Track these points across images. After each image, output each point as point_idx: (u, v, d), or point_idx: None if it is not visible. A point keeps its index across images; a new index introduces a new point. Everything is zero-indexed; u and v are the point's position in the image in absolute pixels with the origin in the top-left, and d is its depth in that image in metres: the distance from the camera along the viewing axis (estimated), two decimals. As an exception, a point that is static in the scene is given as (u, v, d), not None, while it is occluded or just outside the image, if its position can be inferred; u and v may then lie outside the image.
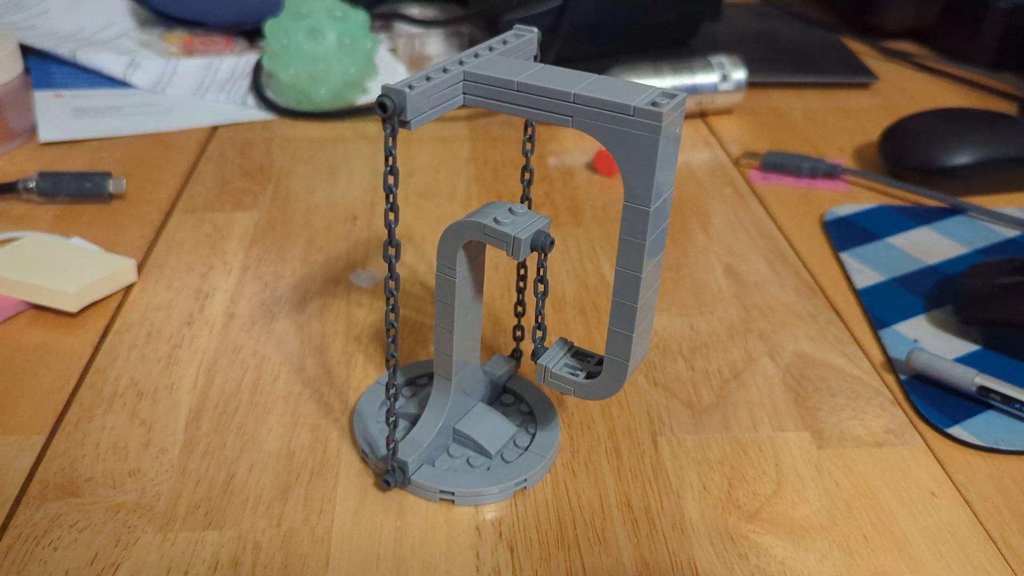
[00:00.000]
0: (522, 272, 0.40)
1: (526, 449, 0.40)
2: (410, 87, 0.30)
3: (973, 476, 0.40)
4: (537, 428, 0.41)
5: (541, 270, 0.35)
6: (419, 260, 0.54)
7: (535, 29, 0.36)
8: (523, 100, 0.31)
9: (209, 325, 0.48)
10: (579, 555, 0.36)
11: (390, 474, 0.37)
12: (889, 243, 0.57)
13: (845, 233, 0.58)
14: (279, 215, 0.58)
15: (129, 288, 0.50)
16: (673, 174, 0.31)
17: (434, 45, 0.81)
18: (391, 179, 0.31)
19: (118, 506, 0.37)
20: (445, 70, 0.32)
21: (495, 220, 0.34)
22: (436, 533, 0.36)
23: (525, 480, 0.38)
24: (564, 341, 0.37)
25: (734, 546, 0.36)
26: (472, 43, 0.83)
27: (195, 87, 0.74)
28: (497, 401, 0.43)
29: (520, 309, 0.41)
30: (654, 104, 0.29)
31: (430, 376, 0.44)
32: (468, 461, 0.39)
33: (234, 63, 0.76)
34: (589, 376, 0.36)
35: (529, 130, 0.37)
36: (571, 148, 0.68)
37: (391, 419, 0.36)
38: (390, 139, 0.30)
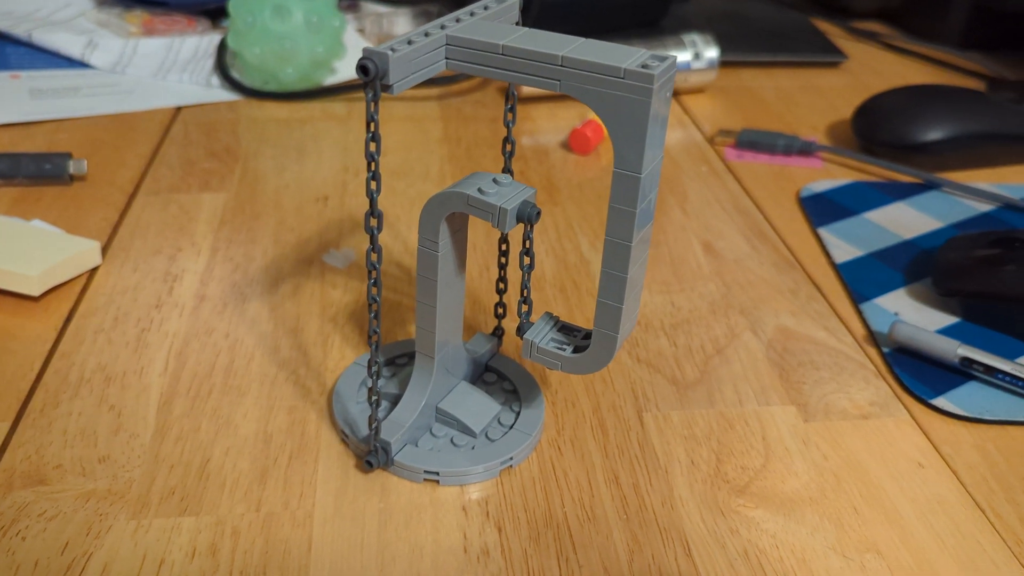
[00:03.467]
0: (504, 248, 0.40)
1: (511, 427, 0.39)
2: (392, 50, 0.29)
3: (958, 446, 0.40)
4: (521, 406, 0.40)
5: (527, 242, 0.34)
6: (394, 240, 0.53)
7: (517, -6, 0.35)
8: (509, 64, 0.30)
9: (179, 308, 0.46)
10: (568, 533, 0.35)
11: (372, 455, 0.36)
12: (866, 218, 0.57)
13: (822, 209, 0.58)
14: (248, 196, 0.56)
15: (93, 271, 0.49)
16: (663, 140, 0.31)
17: (402, 24, 0.80)
18: (373, 146, 0.29)
19: (88, 493, 0.35)
20: (427, 34, 0.31)
21: (479, 191, 0.33)
22: (421, 514, 0.35)
23: (511, 459, 0.37)
24: (550, 316, 0.37)
25: (724, 520, 0.36)
26: (441, 23, 0.82)
27: (157, 67, 0.71)
28: (480, 379, 0.42)
29: (502, 286, 0.41)
30: (645, 66, 0.28)
31: (410, 356, 0.43)
32: (452, 440, 0.38)
33: (196, 43, 0.74)
34: (576, 351, 0.35)
35: (511, 99, 0.36)
36: (545, 127, 0.67)
37: (373, 398, 0.35)
38: (372, 104, 0.29)
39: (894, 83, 0.79)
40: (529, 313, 0.36)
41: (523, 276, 0.35)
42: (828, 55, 0.81)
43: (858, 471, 0.38)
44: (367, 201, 0.56)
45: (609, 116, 0.29)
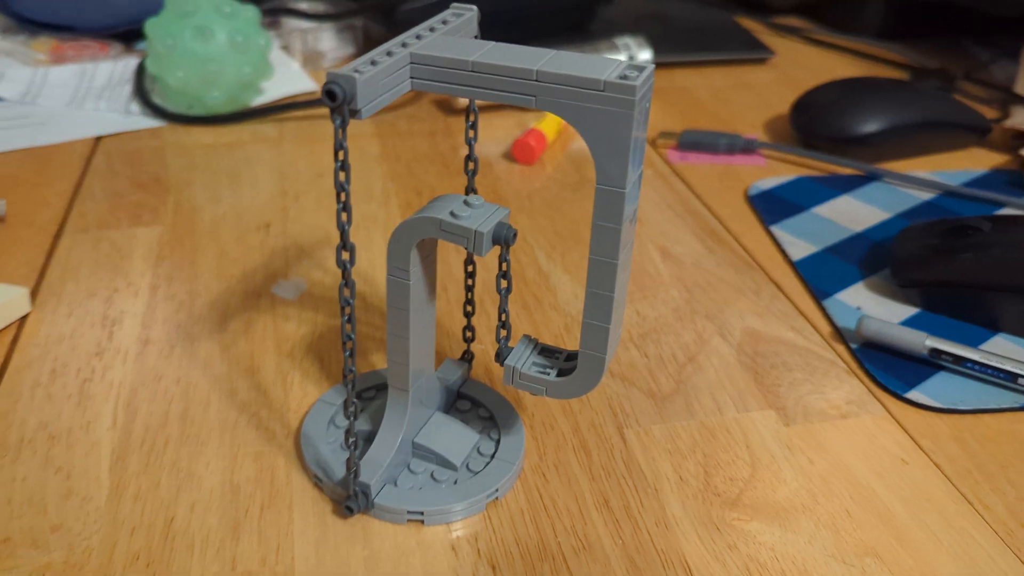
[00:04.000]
0: (470, 269, 0.38)
1: (492, 457, 0.37)
2: (357, 71, 0.27)
3: (937, 439, 0.40)
4: (500, 433, 0.38)
5: (504, 265, 0.32)
6: (335, 270, 0.50)
7: (474, 7, 0.33)
8: (479, 81, 0.29)
9: (122, 354, 0.43)
10: (564, 564, 0.33)
11: (352, 500, 0.34)
12: (815, 213, 0.57)
13: (771, 207, 0.58)
14: (185, 228, 0.53)
15: (23, 320, 0.45)
16: (644, 151, 0.29)
17: (328, 40, 0.77)
18: (343, 175, 0.27)
19: (44, 568, 0.32)
20: (389, 53, 0.29)
21: (452, 214, 0.31)
22: (409, 558, 0.33)
23: (496, 490, 0.36)
24: (528, 339, 0.35)
25: (721, 536, 0.35)
26: (367, 37, 0.79)
27: (70, 96, 0.68)
28: (453, 408, 0.40)
29: (469, 308, 0.39)
30: (624, 77, 0.27)
31: (378, 388, 0.41)
32: (432, 476, 0.36)
33: (111, 68, 0.71)
34: (560, 373, 0.34)
35: (471, 116, 0.35)
36: (484, 138, 0.66)
37: (351, 439, 0.33)
38: (340, 131, 0.27)
39: (822, 77, 0.80)
40: (508, 338, 0.34)
41: (501, 300, 0.33)
42: (756, 52, 0.82)
43: (845, 473, 0.38)
44: (315, 227, 0.54)
45: (589, 130, 0.28)
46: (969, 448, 0.40)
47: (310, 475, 0.37)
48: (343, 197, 0.28)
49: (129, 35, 0.76)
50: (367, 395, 0.40)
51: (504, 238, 0.31)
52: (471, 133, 0.35)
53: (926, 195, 0.60)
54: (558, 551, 0.34)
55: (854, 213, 0.57)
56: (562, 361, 0.34)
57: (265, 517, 0.35)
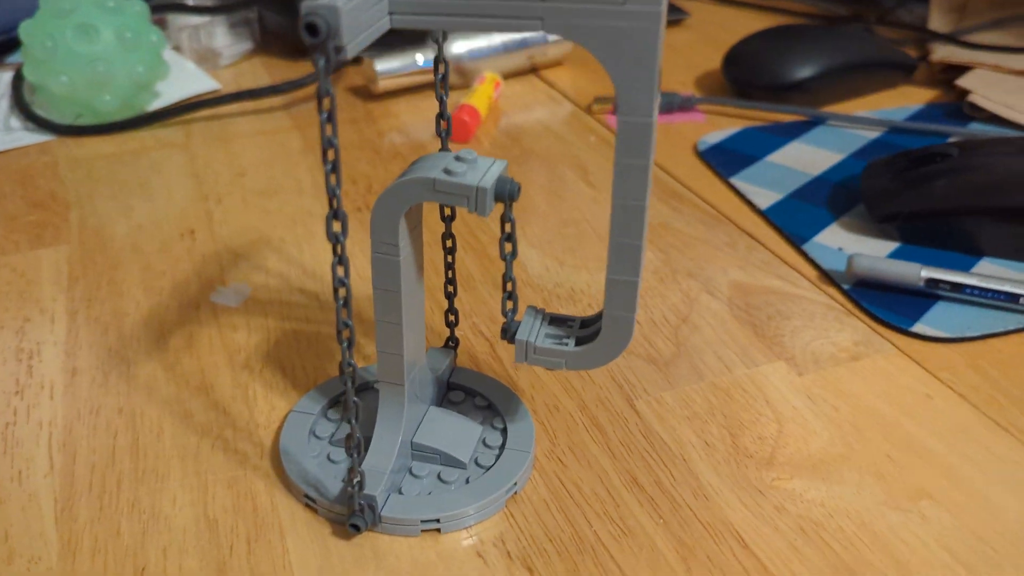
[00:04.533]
0: (448, 244, 0.34)
1: (501, 448, 0.33)
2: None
3: (954, 369, 0.38)
4: (504, 421, 0.34)
5: (508, 225, 0.28)
6: (287, 265, 0.45)
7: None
8: (472, 8, 0.25)
9: (47, 389, 0.37)
10: (607, 554, 0.30)
11: (357, 516, 0.29)
12: (770, 162, 0.55)
13: (725, 160, 0.55)
14: (95, 245, 0.47)
15: (-81, 366, 0.38)
16: (660, 78, 0.26)
17: (221, 36, 0.71)
18: (329, 129, 0.23)
19: (-6, 651, 0.27)
20: (359, -16, 0.24)
21: (446, 172, 0.27)
22: (432, 573, 0.29)
23: (515, 484, 0.32)
24: (534, 309, 0.31)
25: (766, 499, 0.32)
26: (265, 30, 0.74)
27: (-63, 117, 0.60)
28: (446, 400, 0.36)
29: (451, 289, 0.35)
30: (641, -13, 0.24)
31: (359, 389, 0.36)
32: (439, 477, 0.32)
33: (-19, 83, 0.63)
34: (579, 342, 0.30)
35: (441, 68, 0.31)
36: (411, 121, 0.62)
37: (355, 446, 0.28)
38: (324, 75, 0.22)
39: (739, 33, 0.79)
40: (515, 311, 0.30)
41: (506, 268, 0.29)
42: (672, 14, 0.80)
43: (873, 416, 0.36)
44: (247, 228, 0.49)
45: (608, 53, 0.24)
46: (988, 375, 0.38)
47: (298, 496, 0.32)
48: (332, 156, 0.24)
49: (3, 48, 0.68)
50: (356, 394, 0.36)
51: (508, 193, 0.27)
52: (441, 89, 0.31)
53: (872, 134, 0.59)
54: (596, 540, 0.30)
55: (808, 158, 0.56)
56: (577, 329, 0.31)
57: (255, 551, 0.30)
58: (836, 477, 0.33)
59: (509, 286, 0.30)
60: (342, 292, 0.26)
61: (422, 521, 0.30)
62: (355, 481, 0.29)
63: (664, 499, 0.32)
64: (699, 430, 0.35)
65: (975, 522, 0.31)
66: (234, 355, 0.39)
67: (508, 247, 0.29)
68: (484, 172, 0.27)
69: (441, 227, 0.48)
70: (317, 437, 0.34)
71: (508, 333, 0.30)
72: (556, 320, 0.31)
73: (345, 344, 0.27)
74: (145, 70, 0.59)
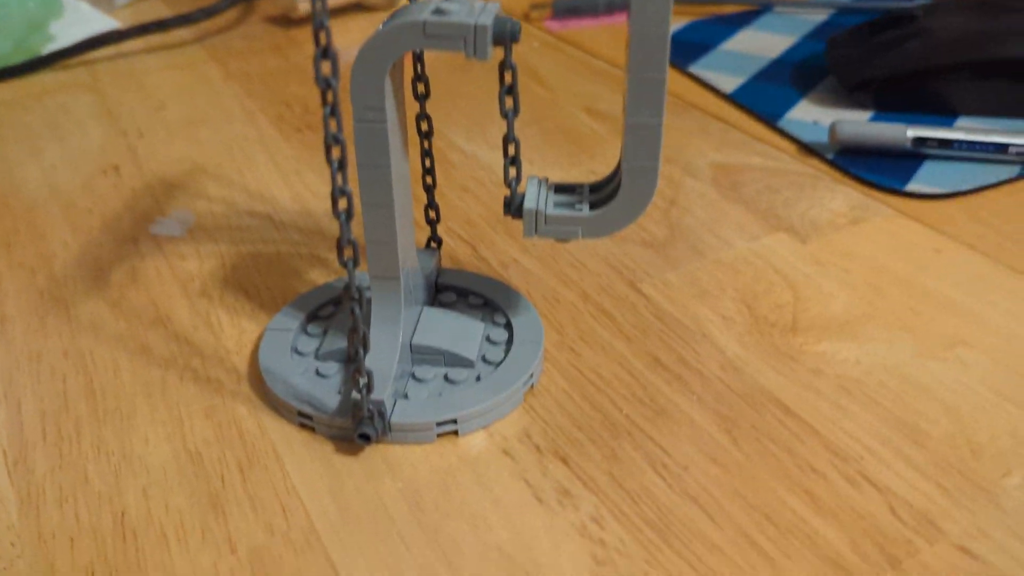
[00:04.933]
0: (424, 127, 0.30)
1: (509, 343, 0.30)
2: None
3: (956, 223, 0.37)
4: (507, 315, 0.31)
5: (508, 75, 0.25)
6: (230, 190, 0.41)
7: None
8: None
9: (-26, 340, 0.32)
10: (644, 434, 0.27)
11: (366, 424, 0.26)
12: (725, 50, 0.53)
13: (679, 50, 0.53)
14: (6, 189, 0.42)
15: None
16: None
17: (114, -26, 0.65)
18: (327, 67, 0.19)
19: (-43, 621, 0.23)
20: None
21: (437, 12, 0.23)
22: (458, 477, 0.26)
23: (531, 376, 0.29)
24: (537, 179, 0.28)
25: (799, 364, 0.30)
26: (161, -36, 0.68)
27: None
28: (437, 303, 0.32)
29: (430, 180, 0.31)
30: None
31: (333, 304, 0.32)
32: (447, 378, 0.29)
33: None
34: (593, 207, 0.27)
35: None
36: (342, 44, 0.57)
37: (359, 342, 0.25)
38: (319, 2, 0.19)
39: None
40: (519, 179, 0.27)
41: (508, 127, 0.26)
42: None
43: (887, 274, 0.34)
44: (178, 158, 0.44)
45: None
46: (991, 224, 0.37)
47: (289, 416, 0.28)
48: (330, 97, 0.20)
49: None
50: (323, 313, 0.32)
51: (510, 32, 0.24)
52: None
53: (820, 16, 0.57)
54: (630, 423, 0.28)
55: (762, 43, 0.54)
56: (587, 195, 0.28)
57: (250, 479, 0.26)
58: (865, 336, 0.31)
59: (512, 149, 0.27)
60: (336, 152, 0.22)
61: (437, 424, 0.27)
62: (362, 384, 0.25)
63: (692, 376, 0.29)
64: (713, 306, 0.33)
65: (1015, 361, 0.30)
66: (187, 284, 0.35)
67: (509, 102, 0.25)
68: (479, 11, 0.24)
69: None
70: (300, 353, 0.30)
71: (512, 206, 0.27)
72: (562, 188, 0.28)
73: (343, 217, 0.23)
74: (37, 6, 0.53)
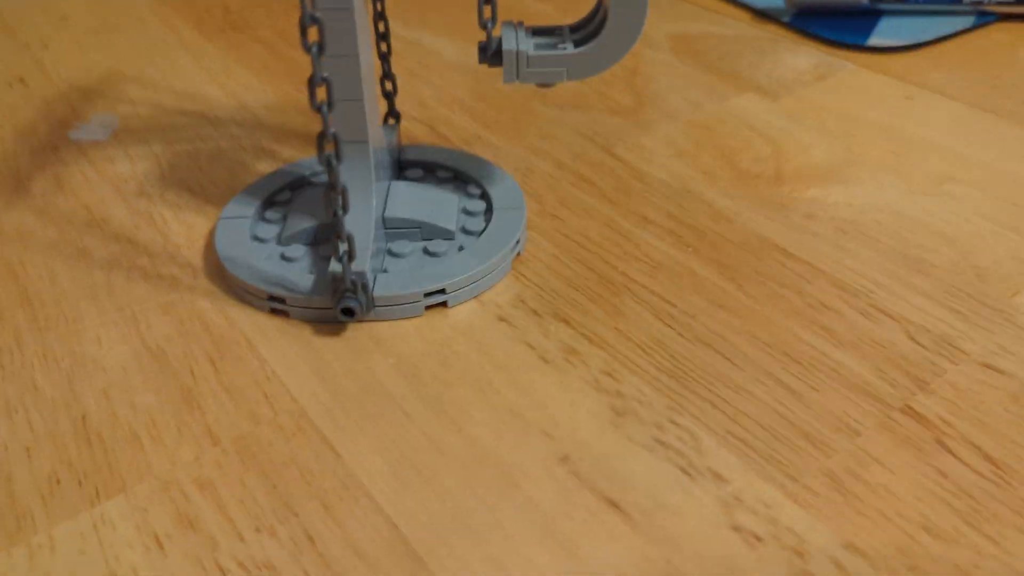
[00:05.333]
0: (379, 6, 0.27)
1: (488, 212, 0.28)
2: None
3: (922, 72, 0.36)
4: (482, 186, 0.29)
5: None
6: (156, 92, 0.37)
7: None
8: None
9: None
10: (643, 287, 0.26)
11: (350, 299, 0.24)
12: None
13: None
14: None
15: None
16: None
17: None
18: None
19: (-94, 544, 0.20)
20: None
21: None
22: (455, 347, 0.24)
23: (517, 242, 0.27)
24: (512, 23, 0.26)
25: (791, 211, 0.29)
26: None
27: None
28: (403, 179, 0.30)
29: (384, 48, 0.29)
30: None
31: (291, 186, 0.30)
32: (426, 251, 0.26)
33: None
34: (578, 45, 0.25)
35: None
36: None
37: (337, 206, 0.22)
38: None
39: None
40: (494, 21, 0.25)
41: (478, -44, 0.23)
42: None
43: (863, 123, 0.33)
44: (91, 65, 0.40)
45: None
46: (956, 71, 0.36)
47: (258, 303, 0.25)
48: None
49: None
50: (279, 199, 0.29)
51: None
52: None
53: None
54: (628, 279, 0.26)
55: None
56: (568, 35, 0.26)
57: (223, 370, 0.24)
58: (851, 179, 0.30)
59: (484, -15, 0.24)
60: (316, 39, 0.20)
61: (425, 295, 0.25)
62: (342, 251, 0.23)
63: (684, 230, 0.28)
64: (692, 163, 0.31)
65: (1005, 191, 0.29)
66: (121, 186, 0.31)
67: (478, -73, 0.23)
68: None
69: None
70: (260, 240, 0.27)
71: (488, 50, 0.25)
72: (540, 31, 0.26)
73: (319, 78, 0.21)
74: (-96, -83, 0.47)
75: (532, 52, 0.24)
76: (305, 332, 0.25)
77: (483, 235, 0.27)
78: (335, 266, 0.24)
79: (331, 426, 0.22)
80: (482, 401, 0.22)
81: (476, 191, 0.29)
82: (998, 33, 0.39)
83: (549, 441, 0.21)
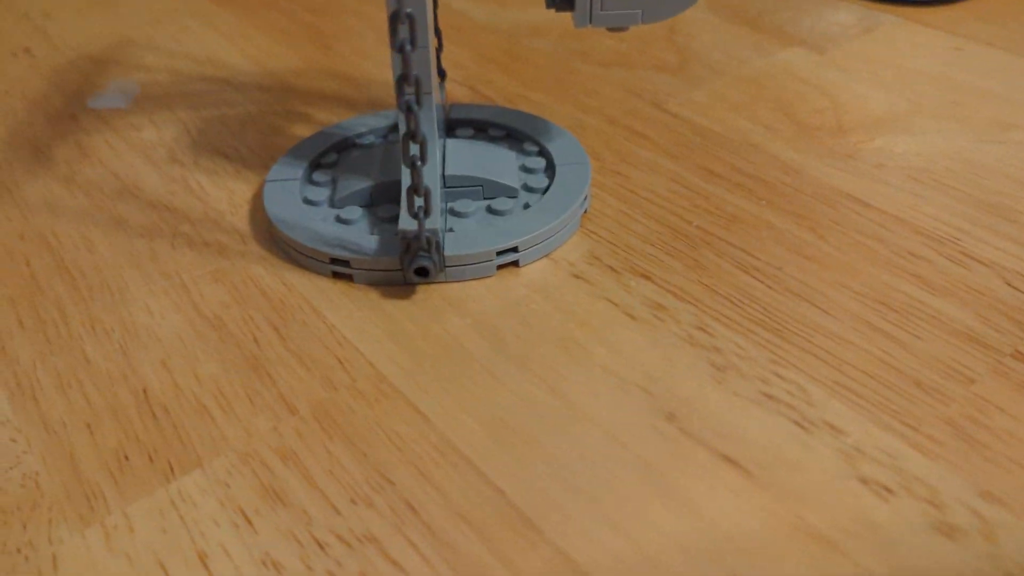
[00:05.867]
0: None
1: (549, 169, 0.27)
2: None
3: (966, 24, 0.35)
4: (539, 142, 0.28)
5: None
6: (172, 59, 0.36)
7: None
8: None
9: (-99, 235, 0.27)
10: (725, 242, 0.24)
11: (424, 258, 0.22)
12: None
13: None
14: None
15: None
16: None
17: None
18: None
19: (-31, 527, 0.18)
20: None
21: None
22: (533, 307, 0.23)
23: (584, 199, 0.26)
24: (573, -34, 0.24)
25: (860, 161, 0.28)
26: None
27: None
28: (454, 137, 0.29)
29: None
30: None
31: (338, 148, 0.28)
32: (490, 209, 0.25)
33: None
34: (647, -14, 0.24)
35: None
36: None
37: (418, 167, 0.21)
38: None
39: None
40: (561, -42, 0.23)
41: None
42: None
43: (917, 74, 0.32)
44: (99, 34, 0.38)
45: None
46: (1000, 23, 0.35)
47: (318, 267, 0.24)
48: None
49: None
50: (325, 161, 0.28)
51: None
52: None
53: None
54: (705, 233, 0.25)
55: None
56: (633, -25, 0.24)
57: (290, 336, 0.22)
58: (916, 129, 0.29)
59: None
60: None
61: (498, 254, 0.23)
62: (417, 207, 0.22)
63: (754, 183, 0.27)
64: (749, 117, 0.30)
65: (1075, 137, 0.28)
66: (150, 153, 0.30)
67: None
68: None
69: (346, -5, 0.39)
70: (312, 203, 0.26)
71: (556, -6, 0.24)
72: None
73: (402, 31, 0.19)
74: None
75: (606, -7, 0.23)
76: (372, 295, 0.23)
77: (548, 191, 0.25)
78: (407, 223, 0.22)
79: (415, 390, 0.21)
80: (571, 360, 0.21)
81: (533, 148, 0.28)
82: (1037, -16, 0.38)
83: (650, 398, 0.20)
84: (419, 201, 0.22)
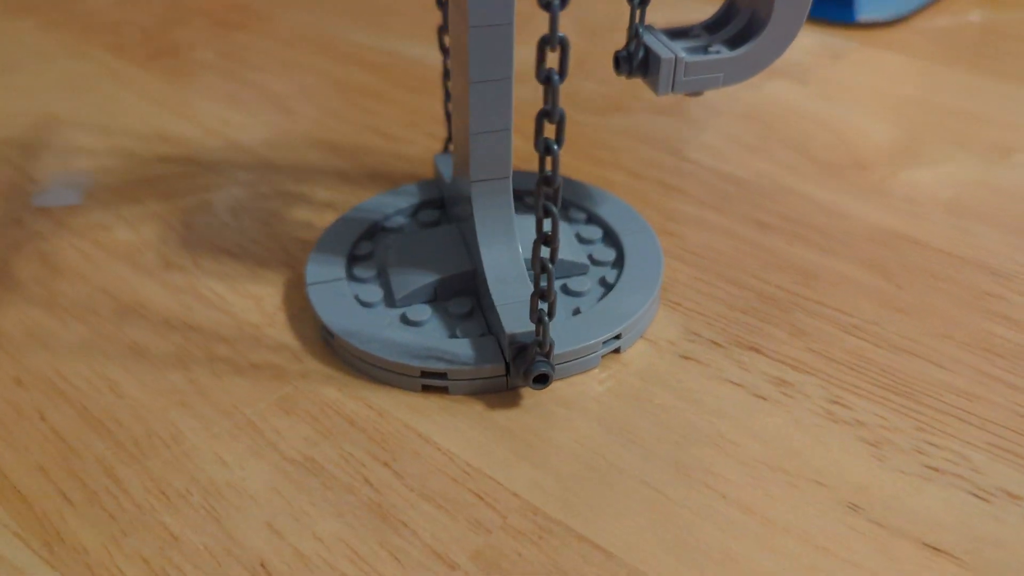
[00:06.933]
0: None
1: (607, 239, 0.25)
2: None
3: (918, 47, 0.37)
4: (584, 208, 0.26)
5: None
6: (111, 138, 0.31)
7: None
8: None
9: None
10: (812, 301, 0.24)
11: (542, 362, 0.20)
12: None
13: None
14: None
15: None
16: None
17: None
18: None
19: None
20: None
21: None
22: (656, 399, 0.21)
23: (659, 264, 0.24)
24: (645, 27, 0.23)
25: (890, 198, 0.28)
26: None
27: None
28: (492, 213, 0.26)
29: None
30: None
31: (367, 236, 0.25)
32: (566, 291, 0.23)
33: None
34: (730, 45, 0.23)
35: None
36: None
37: (549, 269, 0.19)
38: None
39: None
40: (643, 20, 0.22)
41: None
42: None
43: (900, 100, 0.33)
44: (34, 111, 0.33)
45: None
46: (947, 43, 0.37)
47: (406, 381, 0.21)
48: None
49: None
50: (360, 251, 0.25)
51: None
52: None
53: None
54: (785, 291, 0.24)
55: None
56: (707, 35, 0.23)
57: (406, 473, 0.20)
58: (926, 159, 0.30)
59: (637, -9, 0.21)
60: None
61: (603, 343, 0.22)
62: (541, 311, 0.19)
63: (807, 230, 0.26)
64: (769, 158, 0.30)
65: (1068, 155, 0.30)
66: (136, 258, 0.26)
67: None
68: None
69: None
70: (366, 304, 0.23)
71: (634, 60, 0.22)
72: (676, 33, 0.23)
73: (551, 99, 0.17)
74: None
75: (689, 58, 0.22)
76: (475, 408, 0.21)
77: (625, 265, 0.24)
78: (515, 325, 0.20)
79: (577, 519, 0.19)
80: (727, 457, 0.20)
81: (579, 214, 0.26)
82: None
83: (825, 491, 0.19)
84: (543, 304, 0.20)
